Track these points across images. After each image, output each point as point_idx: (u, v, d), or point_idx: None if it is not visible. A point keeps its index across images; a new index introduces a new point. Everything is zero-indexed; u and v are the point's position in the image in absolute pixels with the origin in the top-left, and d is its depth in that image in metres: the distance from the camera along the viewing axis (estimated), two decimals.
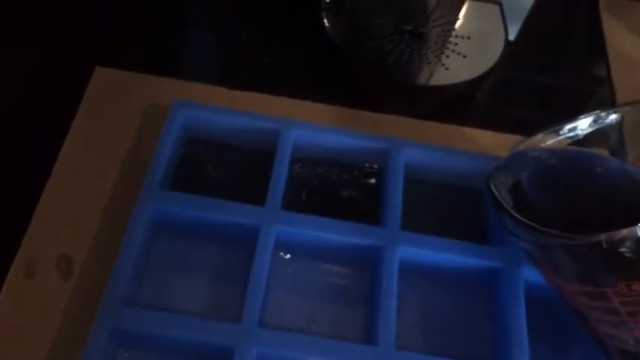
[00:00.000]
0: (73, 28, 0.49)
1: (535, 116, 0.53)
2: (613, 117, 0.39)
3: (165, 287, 0.40)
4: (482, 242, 0.42)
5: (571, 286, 0.34)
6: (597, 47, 0.58)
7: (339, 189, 0.45)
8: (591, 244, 0.30)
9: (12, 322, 0.38)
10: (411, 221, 0.42)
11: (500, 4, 0.54)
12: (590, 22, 0.60)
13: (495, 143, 0.49)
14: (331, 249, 0.41)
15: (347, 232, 0.41)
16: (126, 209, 0.40)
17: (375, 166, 0.46)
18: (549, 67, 0.56)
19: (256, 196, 0.41)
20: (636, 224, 0.29)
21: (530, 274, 0.40)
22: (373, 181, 0.46)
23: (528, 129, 0.41)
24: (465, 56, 0.51)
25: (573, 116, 0.40)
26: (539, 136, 0.40)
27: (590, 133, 0.40)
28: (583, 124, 0.40)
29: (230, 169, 0.45)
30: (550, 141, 0.40)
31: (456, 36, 0.52)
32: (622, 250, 0.30)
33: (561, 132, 0.40)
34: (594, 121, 0.39)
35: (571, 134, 0.40)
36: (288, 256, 0.42)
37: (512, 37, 0.54)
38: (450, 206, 0.46)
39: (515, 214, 0.35)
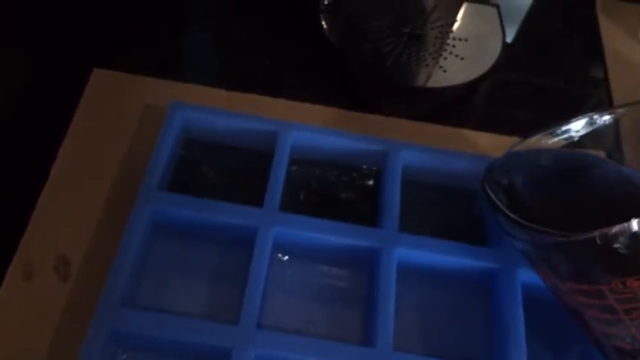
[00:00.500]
0: (71, 29, 0.49)
1: (533, 118, 0.53)
2: (609, 118, 0.39)
3: (163, 289, 0.40)
4: (480, 243, 0.43)
5: (567, 285, 0.34)
6: (594, 49, 0.58)
7: (337, 191, 0.45)
8: (585, 241, 0.31)
9: (10, 323, 0.38)
10: (409, 223, 0.42)
11: (497, 7, 0.54)
12: (587, 25, 0.60)
13: (493, 145, 0.49)
14: (329, 251, 0.41)
15: (345, 233, 0.41)
16: (124, 210, 0.40)
17: (373, 168, 0.46)
18: (547, 69, 0.57)
19: (254, 197, 0.41)
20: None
21: (528, 275, 0.40)
22: (371, 182, 0.46)
23: (526, 131, 0.42)
24: (462, 58, 0.51)
25: (570, 118, 0.40)
26: (535, 138, 0.40)
27: (586, 135, 0.40)
28: (579, 126, 0.40)
29: (228, 170, 0.45)
30: (546, 142, 0.40)
31: (454, 38, 0.52)
32: (616, 246, 0.30)
33: (557, 133, 0.40)
34: (590, 123, 0.39)
35: (567, 136, 0.40)
36: (286, 257, 0.42)
37: (509, 39, 0.54)
38: (448, 208, 0.46)
39: (510, 214, 0.35)
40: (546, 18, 0.59)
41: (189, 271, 0.41)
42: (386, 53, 0.51)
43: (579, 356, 0.41)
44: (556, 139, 0.40)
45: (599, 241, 0.30)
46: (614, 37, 0.59)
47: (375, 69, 0.50)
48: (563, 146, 0.40)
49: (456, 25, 0.53)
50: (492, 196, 0.38)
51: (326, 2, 0.53)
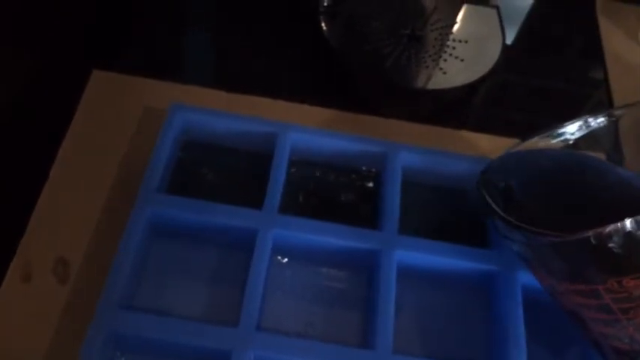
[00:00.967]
0: (71, 31, 0.49)
1: (533, 119, 0.53)
2: (605, 120, 0.39)
3: (163, 291, 0.40)
4: (480, 245, 0.42)
5: (563, 285, 0.34)
6: (594, 50, 0.58)
7: (336, 192, 0.45)
8: (580, 241, 0.31)
9: (9, 325, 0.38)
10: (409, 225, 0.42)
11: (497, 8, 0.54)
12: (587, 26, 0.60)
13: (493, 147, 0.49)
14: (329, 253, 0.41)
15: (344, 235, 0.41)
16: (123, 212, 0.40)
17: (373, 170, 0.46)
18: (546, 70, 0.57)
19: (254, 199, 0.41)
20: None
21: (528, 277, 0.40)
22: (371, 184, 0.46)
23: (526, 132, 0.41)
24: (462, 60, 0.51)
25: (569, 119, 0.40)
26: (532, 140, 0.40)
27: (583, 137, 0.40)
28: (575, 128, 0.40)
29: (227, 172, 0.45)
30: (543, 145, 0.40)
31: (454, 40, 0.52)
32: (610, 245, 0.30)
33: (554, 135, 0.40)
34: (587, 126, 0.39)
35: (564, 138, 0.40)
36: (286, 259, 0.42)
37: (509, 41, 0.54)
38: (448, 209, 0.46)
39: (505, 216, 0.35)
40: (546, 19, 0.59)
41: (188, 273, 0.40)
42: (386, 55, 0.51)
43: (579, 357, 0.41)
44: (553, 142, 0.40)
45: (593, 241, 0.30)
46: (614, 39, 0.59)
47: (375, 70, 0.50)
48: (562, 147, 0.40)
49: (455, 27, 0.53)
50: (488, 198, 0.38)
51: (325, 3, 0.53)
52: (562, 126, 0.40)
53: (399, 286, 0.39)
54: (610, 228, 0.30)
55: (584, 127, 0.39)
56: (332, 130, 0.46)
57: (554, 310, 0.38)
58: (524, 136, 0.41)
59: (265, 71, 0.52)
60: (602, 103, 0.55)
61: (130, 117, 0.47)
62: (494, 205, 0.37)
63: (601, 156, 0.41)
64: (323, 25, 0.52)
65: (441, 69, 0.50)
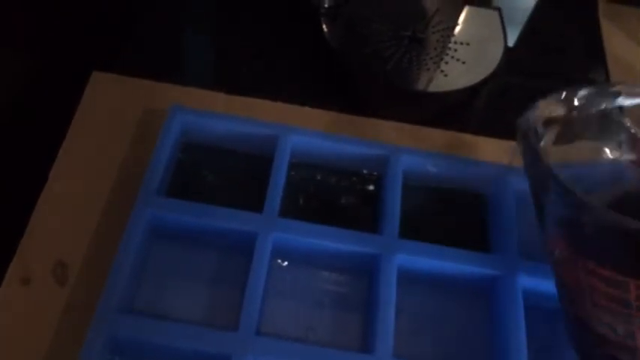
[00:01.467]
0: (70, 32, 0.49)
1: None
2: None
3: (162, 294, 0.39)
4: (481, 249, 0.42)
5: (586, 263, 0.33)
6: (596, 52, 0.58)
7: (337, 196, 0.45)
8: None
9: (7, 329, 0.38)
10: (410, 228, 0.42)
11: (499, 10, 0.53)
12: (588, 28, 0.60)
13: (494, 149, 0.48)
14: (329, 256, 0.41)
15: (345, 239, 0.40)
16: (123, 215, 0.40)
17: (374, 173, 0.46)
18: (548, 72, 0.56)
19: (254, 202, 0.41)
20: None
21: (529, 281, 0.40)
22: (372, 187, 0.46)
23: None
24: (464, 62, 0.51)
25: None
26: (545, 102, 0.38)
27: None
28: (587, 94, 0.38)
29: (227, 174, 0.45)
30: (555, 109, 0.38)
31: (455, 42, 0.52)
32: None
33: (567, 98, 0.38)
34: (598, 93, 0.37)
35: (577, 103, 0.37)
36: (286, 263, 0.42)
37: (511, 43, 0.54)
38: (449, 213, 0.46)
39: (557, 174, 0.33)
40: (548, 21, 0.58)
41: (188, 277, 0.40)
42: (387, 57, 0.50)
43: None
44: (566, 104, 0.37)
45: None
46: (615, 41, 0.59)
47: (376, 72, 0.50)
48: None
49: (457, 29, 0.53)
50: (537, 146, 0.34)
51: (326, 5, 0.52)
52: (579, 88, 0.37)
53: (399, 290, 0.39)
54: None
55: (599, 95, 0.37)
56: (332, 132, 0.46)
57: (555, 314, 0.38)
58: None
59: (266, 73, 0.52)
60: None
61: (130, 118, 0.47)
62: (542, 155, 0.34)
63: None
64: (324, 26, 0.52)
65: (442, 71, 0.50)
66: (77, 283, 0.39)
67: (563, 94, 0.38)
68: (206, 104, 0.47)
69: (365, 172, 0.46)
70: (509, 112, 0.53)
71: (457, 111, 0.52)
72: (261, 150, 0.44)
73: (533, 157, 0.35)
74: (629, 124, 0.36)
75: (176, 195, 0.42)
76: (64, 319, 0.38)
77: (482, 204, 0.46)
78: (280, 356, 0.36)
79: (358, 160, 0.45)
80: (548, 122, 0.37)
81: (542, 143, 0.36)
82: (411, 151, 0.45)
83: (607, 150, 0.38)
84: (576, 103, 0.38)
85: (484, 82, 0.50)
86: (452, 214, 0.45)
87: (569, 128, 0.38)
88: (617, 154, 0.38)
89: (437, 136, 0.49)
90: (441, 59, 0.51)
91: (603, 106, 0.37)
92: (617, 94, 0.37)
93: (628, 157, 0.38)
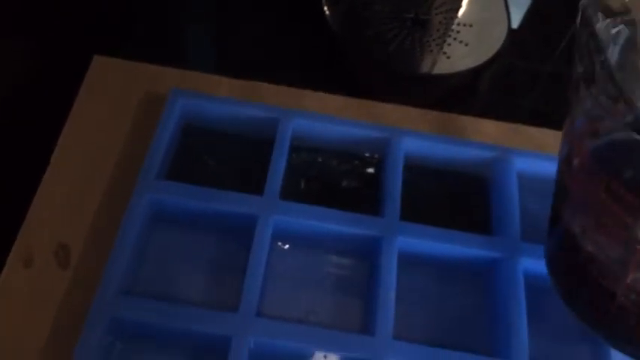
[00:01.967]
0: (71, 15, 0.49)
1: (538, 105, 0.52)
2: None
3: (163, 277, 0.40)
4: (483, 232, 0.42)
5: (611, 183, 0.30)
6: None
7: (338, 178, 0.45)
8: None
9: (9, 310, 0.38)
10: (412, 211, 0.42)
11: None
12: None
13: (498, 132, 0.48)
14: (330, 239, 0.41)
15: (346, 222, 0.40)
16: (124, 198, 0.40)
17: (375, 156, 0.46)
18: (552, 54, 0.56)
19: (255, 185, 0.41)
20: None
21: (530, 263, 0.40)
22: (373, 170, 0.46)
23: (531, 118, 0.41)
24: (467, 44, 0.50)
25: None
26: None
27: None
28: None
29: (229, 158, 0.45)
30: None
31: (458, 24, 0.51)
32: None
33: None
34: None
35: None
36: (287, 246, 0.42)
37: (515, 24, 0.54)
38: (452, 196, 0.45)
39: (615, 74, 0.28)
40: (552, 2, 0.58)
41: (188, 260, 0.40)
42: (389, 39, 0.50)
43: (581, 345, 0.40)
44: None
45: None
46: None
47: (378, 55, 0.49)
48: None
49: (460, 11, 0.52)
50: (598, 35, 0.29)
51: None
52: None
53: (400, 272, 0.39)
54: None
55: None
56: (334, 115, 0.45)
57: (556, 298, 0.38)
58: (530, 121, 0.39)
59: (267, 56, 0.52)
60: None
61: (132, 103, 0.47)
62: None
63: None
64: (325, 9, 0.51)
65: (445, 53, 0.50)
66: (79, 265, 0.40)
67: None
68: (207, 88, 0.46)
69: (366, 154, 0.46)
70: (513, 94, 0.53)
71: (460, 93, 0.52)
72: (263, 133, 0.44)
73: (592, 42, 0.30)
74: None
75: (177, 178, 0.42)
76: (65, 301, 0.38)
77: (485, 186, 0.45)
78: (280, 337, 0.36)
79: (359, 142, 0.45)
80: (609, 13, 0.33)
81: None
82: (412, 133, 0.45)
83: None
84: None
85: (487, 65, 0.50)
86: (454, 196, 0.45)
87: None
88: None
89: (439, 119, 0.49)
90: (444, 41, 0.50)
91: None
92: None
93: None
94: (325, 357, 0.37)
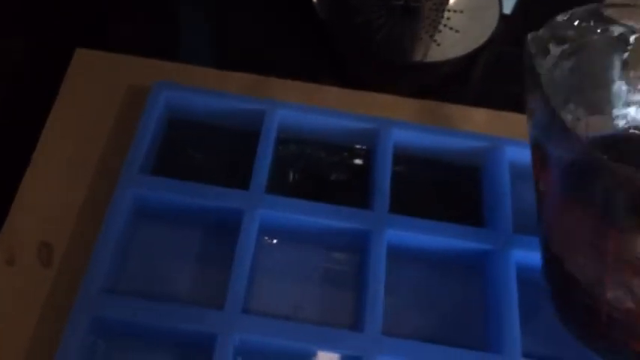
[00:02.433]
0: (53, 8, 0.48)
1: None
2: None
3: (147, 274, 0.39)
4: (474, 223, 0.41)
5: (576, 206, 0.31)
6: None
7: (326, 171, 0.44)
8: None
9: None
10: (402, 203, 0.41)
11: None
12: None
13: (490, 120, 0.47)
14: (318, 233, 0.40)
15: (334, 215, 0.40)
16: (107, 194, 0.39)
17: (364, 147, 0.45)
18: None
19: (241, 179, 0.40)
20: None
21: (522, 255, 0.39)
22: (362, 162, 0.45)
23: (523, 106, 0.40)
24: (457, 31, 0.49)
25: None
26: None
27: None
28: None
29: (214, 151, 0.44)
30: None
31: (449, 10, 0.50)
32: None
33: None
34: None
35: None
36: (274, 241, 0.41)
37: (507, 10, 0.52)
38: (443, 187, 0.45)
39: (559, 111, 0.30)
40: None
41: (173, 256, 0.40)
42: (377, 27, 0.49)
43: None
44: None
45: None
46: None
47: (366, 43, 0.48)
48: None
49: None
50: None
51: None
52: None
53: (390, 266, 0.38)
54: None
55: None
56: (321, 106, 0.44)
57: (548, 289, 0.37)
58: (523, 109, 0.37)
59: (254, 47, 0.51)
60: None
61: (115, 96, 0.46)
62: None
63: None
64: None
65: (435, 41, 0.49)
66: (62, 264, 0.39)
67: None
68: (193, 80, 0.45)
69: (355, 146, 0.45)
70: (504, 81, 0.52)
71: (451, 82, 0.51)
72: (249, 125, 0.43)
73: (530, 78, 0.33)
74: None
75: (161, 172, 0.41)
76: (48, 301, 0.38)
77: (476, 177, 0.45)
78: (267, 334, 0.35)
79: (348, 133, 0.44)
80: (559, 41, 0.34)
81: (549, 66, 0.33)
82: (402, 124, 0.44)
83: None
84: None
85: (479, 52, 0.49)
86: (445, 187, 0.44)
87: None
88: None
89: (430, 108, 0.48)
90: (434, 28, 0.49)
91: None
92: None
93: None
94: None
